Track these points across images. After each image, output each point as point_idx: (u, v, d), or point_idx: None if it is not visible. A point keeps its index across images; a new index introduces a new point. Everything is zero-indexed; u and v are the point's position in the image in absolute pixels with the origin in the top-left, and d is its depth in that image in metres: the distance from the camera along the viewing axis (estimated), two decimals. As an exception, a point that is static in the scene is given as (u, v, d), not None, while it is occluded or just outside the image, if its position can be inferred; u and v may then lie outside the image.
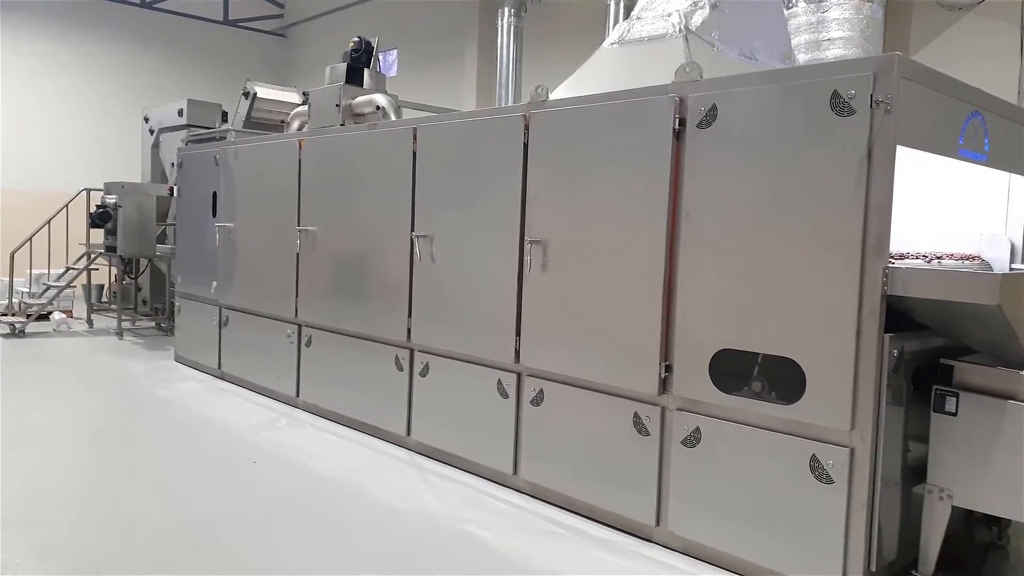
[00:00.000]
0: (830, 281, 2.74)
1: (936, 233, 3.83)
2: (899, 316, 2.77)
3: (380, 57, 12.31)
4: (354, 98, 5.61)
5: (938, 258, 3.49)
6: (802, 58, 4.75)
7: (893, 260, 3.10)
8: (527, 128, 3.78)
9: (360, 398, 4.87)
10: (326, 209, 5.15)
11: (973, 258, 3.68)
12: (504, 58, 7.70)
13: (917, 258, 3.50)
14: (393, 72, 12.00)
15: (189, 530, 3.31)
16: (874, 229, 2.65)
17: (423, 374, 4.41)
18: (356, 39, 5.90)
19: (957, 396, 2.76)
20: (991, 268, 3.67)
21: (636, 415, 3.36)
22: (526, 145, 3.78)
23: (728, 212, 3.03)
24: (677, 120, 3.16)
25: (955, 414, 2.76)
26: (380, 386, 4.69)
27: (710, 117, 3.07)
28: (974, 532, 3.40)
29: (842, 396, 2.71)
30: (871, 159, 2.64)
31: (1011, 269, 3.62)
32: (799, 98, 2.82)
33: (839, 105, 2.70)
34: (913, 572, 2.86)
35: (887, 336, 2.67)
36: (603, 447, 3.49)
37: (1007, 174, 3.65)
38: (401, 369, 4.54)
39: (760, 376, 2.97)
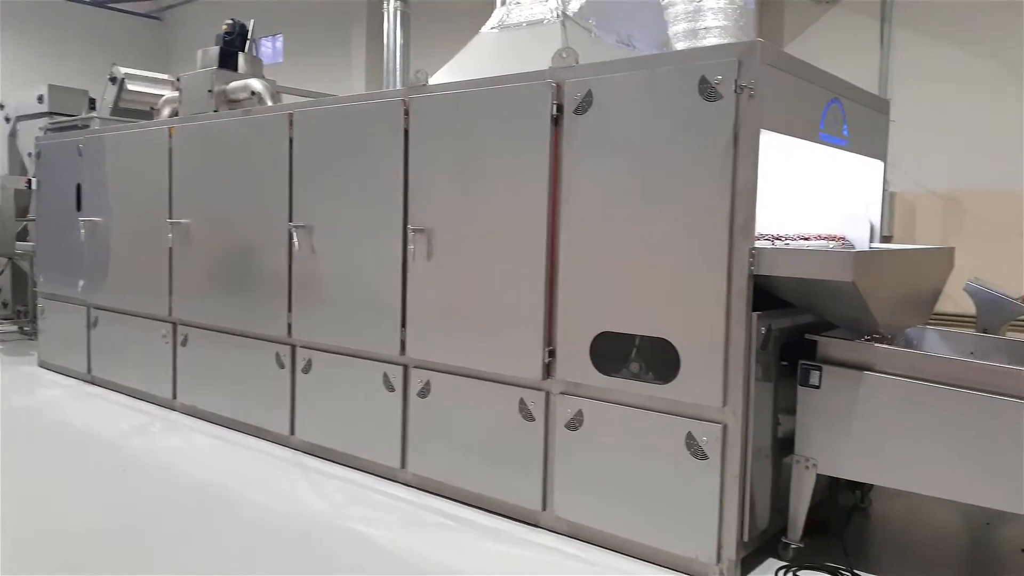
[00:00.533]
0: (701, 263, 2.81)
1: (806, 215, 4.01)
2: (768, 295, 2.87)
3: (268, 43, 11.84)
4: (228, 83, 5.34)
5: (805, 239, 3.65)
6: (679, 46, 4.88)
7: (770, 240, 3.22)
8: (407, 113, 3.69)
9: (241, 398, 4.66)
10: (200, 200, 4.89)
11: (838, 238, 3.88)
12: (391, 44, 7.52)
13: (791, 239, 3.65)
14: (279, 59, 11.57)
15: (42, 549, 3.06)
16: (741, 211, 2.73)
17: (306, 371, 4.25)
18: (229, 21, 5.62)
19: (820, 369, 2.89)
20: (853, 248, 3.87)
21: (522, 401, 3.35)
22: (407, 131, 3.70)
23: (605, 197, 3.05)
24: (554, 106, 3.16)
25: (819, 387, 2.89)
26: (261, 384, 4.50)
27: (586, 103, 3.09)
28: (839, 497, 3.59)
29: (714, 374, 2.79)
30: (737, 143, 2.72)
31: (870, 248, 3.84)
32: (669, 84, 2.87)
33: (707, 90, 2.77)
34: (783, 539, 2.99)
35: (755, 315, 2.76)
36: (490, 435, 3.47)
37: (866, 158, 3.85)
38: (283, 366, 4.37)
39: (638, 357, 3.02)
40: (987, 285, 4.18)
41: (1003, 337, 3.29)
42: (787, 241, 3.57)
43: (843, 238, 3.91)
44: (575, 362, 3.16)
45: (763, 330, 2.81)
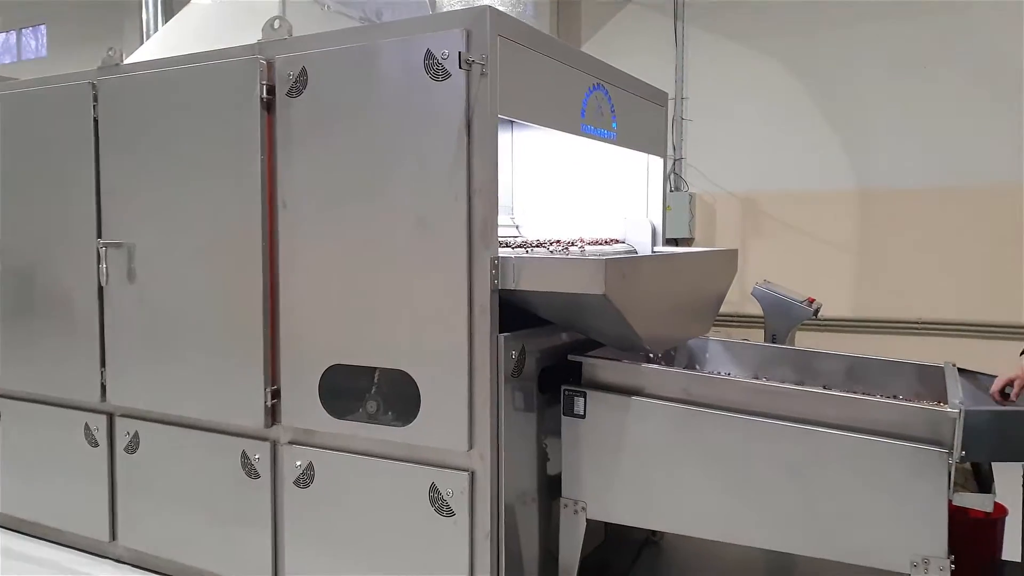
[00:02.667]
0: (437, 277, 2.31)
1: (590, 219, 3.66)
2: (527, 312, 2.42)
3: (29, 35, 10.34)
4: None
5: (577, 245, 3.27)
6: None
7: (538, 248, 2.78)
8: (96, 99, 2.95)
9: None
10: None
11: (618, 242, 3.54)
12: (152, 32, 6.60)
13: (565, 246, 3.26)
14: (43, 52, 10.12)
15: None
16: (479, 213, 2.25)
17: (-9, 425, 3.37)
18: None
19: (584, 396, 2.47)
20: (636, 252, 3.55)
21: (244, 455, 2.71)
22: (96, 121, 2.95)
23: (328, 200, 2.49)
24: (265, 87, 2.55)
25: (583, 416, 2.47)
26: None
27: (300, 83, 2.51)
28: (628, 530, 3.23)
29: (457, 412, 2.29)
30: (471, 132, 2.24)
31: (653, 252, 3.53)
32: (394, 59, 2.35)
33: (433, 67, 2.27)
34: (554, 596, 2.55)
35: (502, 336, 2.29)
36: (211, 498, 2.79)
37: (646, 156, 3.55)
38: (-37, 421, 3.44)
39: (376, 395, 2.48)
40: (775, 288, 4.03)
41: (790, 347, 3.04)
42: (564, 248, 3.16)
43: (623, 242, 3.59)
44: (303, 404, 2.56)
45: (514, 354, 2.35)
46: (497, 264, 2.26)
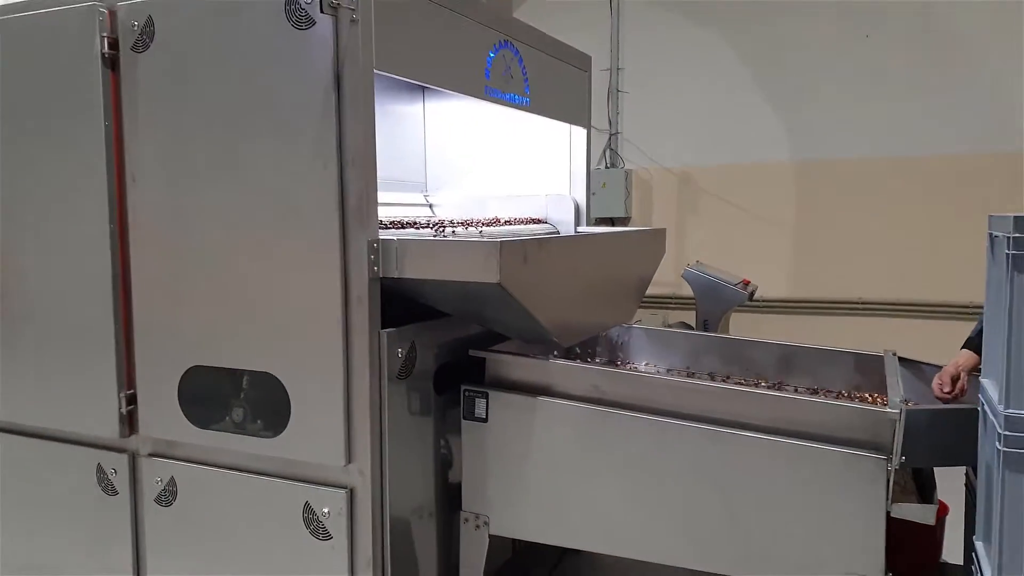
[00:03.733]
0: (305, 263, 1.97)
1: (508, 196, 3.34)
2: (419, 303, 2.10)
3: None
4: None
5: (493, 225, 2.96)
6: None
7: (437, 229, 2.46)
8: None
9: None
10: None
11: (539, 222, 3.24)
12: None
13: (484, 226, 2.93)
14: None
15: None
16: (354, 187, 1.91)
17: None
18: None
19: (486, 397, 2.17)
20: (558, 232, 3.26)
21: (100, 468, 2.34)
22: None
23: (183, 173, 2.11)
24: (106, 41, 2.15)
25: (486, 419, 2.17)
26: None
27: (147, 36, 2.12)
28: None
29: (332, 420, 1.97)
30: (341, 90, 1.89)
31: (576, 231, 3.24)
32: (253, 5, 1.98)
33: (296, 13, 1.91)
34: (456, 621, 2.26)
35: (384, 333, 1.97)
36: (70, 517, 2.42)
37: (568, 126, 3.24)
38: None
39: (243, 400, 2.13)
40: (707, 270, 3.78)
41: (719, 336, 2.79)
42: (479, 228, 2.84)
43: (545, 221, 3.29)
44: (163, 411, 2.20)
45: (401, 351, 2.03)
46: (377, 248, 1.93)
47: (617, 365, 2.79)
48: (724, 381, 2.40)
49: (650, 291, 5.51)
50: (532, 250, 1.99)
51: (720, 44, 5.54)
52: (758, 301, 4.78)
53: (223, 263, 2.07)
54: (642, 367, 2.79)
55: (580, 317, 2.40)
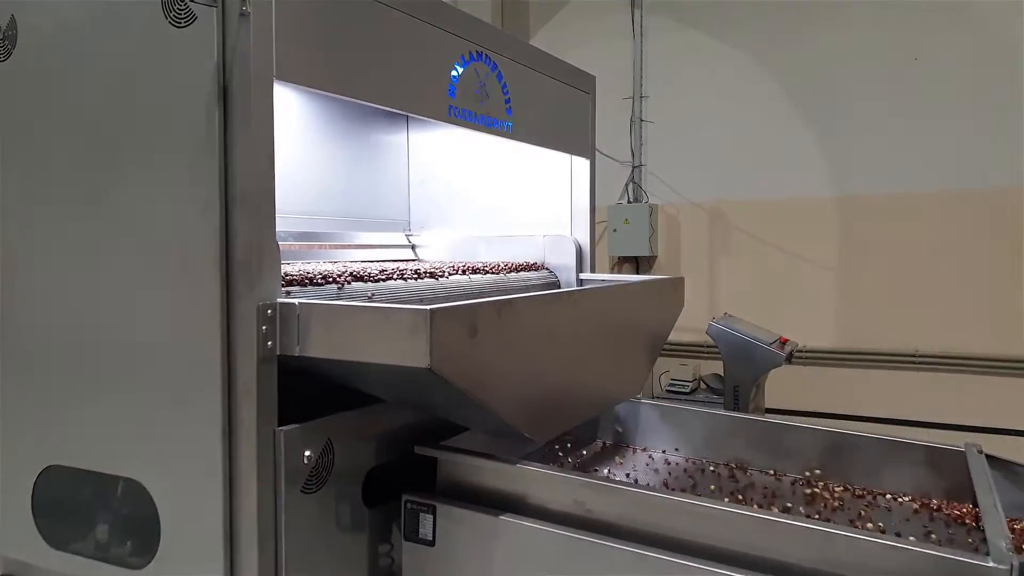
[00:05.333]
0: (178, 332, 1.47)
1: (506, 237, 2.84)
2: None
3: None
4: None
5: (481, 272, 2.44)
6: None
7: (411, 278, 1.96)
8: None
9: None
10: None
11: (535, 267, 2.72)
12: None
13: (472, 273, 2.43)
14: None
15: None
16: (243, 233, 1.42)
17: None
18: None
19: (434, 512, 1.63)
20: (557, 279, 2.73)
21: (-47, 586, 1.85)
22: None
23: (48, 206, 1.65)
24: (-36, 48, 1.72)
25: (432, 542, 1.63)
26: None
27: (9, 40, 1.68)
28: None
29: (210, 546, 1.45)
30: (228, 105, 1.41)
31: (578, 278, 2.72)
32: (129, 2, 1.53)
33: (175, 7, 1.44)
34: None
35: (282, 432, 1.45)
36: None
37: (568, 156, 2.74)
38: None
39: (109, 514, 1.63)
40: (737, 325, 3.20)
41: (750, 417, 2.21)
42: (445, 276, 2.33)
43: (543, 266, 2.77)
44: (16, 523, 1.71)
45: (309, 454, 1.51)
46: (273, 315, 1.43)
47: (616, 456, 2.23)
48: (758, 506, 1.82)
49: (680, 339, 4.92)
50: (487, 317, 1.47)
51: (753, 67, 5.01)
52: (799, 352, 4.17)
53: (84, 327, 1.59)
54: (648, 457, 2.24)
55: (562, 402, 1.85)
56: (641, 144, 5.38)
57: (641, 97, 5.35)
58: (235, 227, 1.41)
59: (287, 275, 1.67)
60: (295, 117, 2.44)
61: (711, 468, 2.12)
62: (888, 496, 1.93)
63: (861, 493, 1.94)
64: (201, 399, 1.43)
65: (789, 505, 1.82)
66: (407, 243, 3.00)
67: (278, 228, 2.30)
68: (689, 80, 5.22)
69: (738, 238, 5.18)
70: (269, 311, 1.42)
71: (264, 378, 1.42)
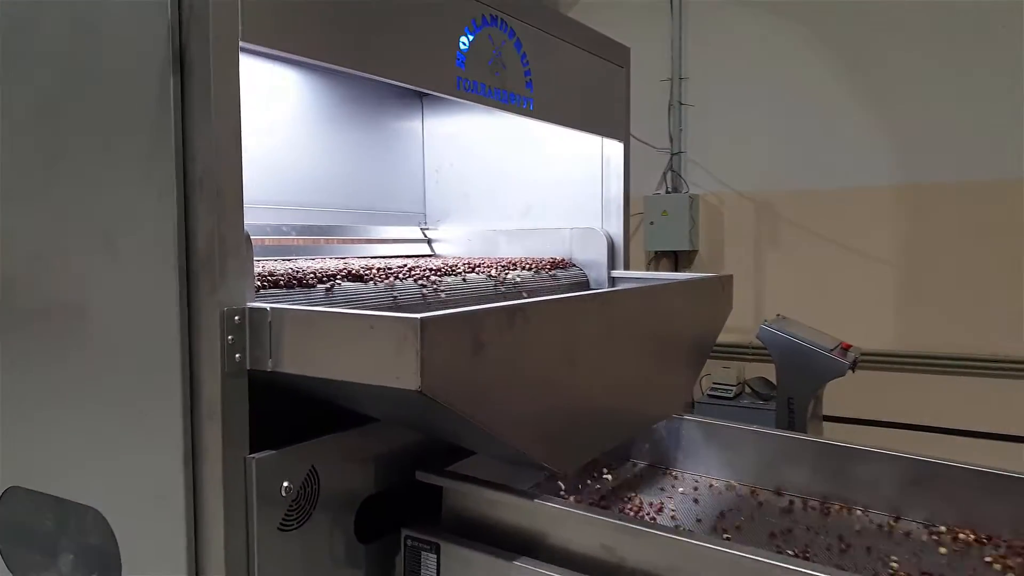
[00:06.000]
0: (132, 343, 1.26)
1: (521, 229, 2.60)
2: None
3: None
4: None
5: (508, 270, 2.19)
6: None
7: (422, 278, 1.73)
8: None
9: None
10: None
11: (562, 264, 2.47)
12: None
13: (502, 270, 2.18)
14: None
15: None
16: (205, 224, 1.19)
17: None
18: None
19: (438, 551, 1.40)
20: (586, 278, 2.47)
21: (-84, 617, 1.68)
22: None
23: (4, 196, 1.45)
24: (-85, 19, 1.53)
25: (436, 585, 1.40)
26: None
27: (-41, 8, 1.48)
28: None
29: (172, 595, 1.23)
30: (184, 73, 1.19)
31: (610, 276, 2.45)
32: (80, -45, 1.31)
33: (125, -41, 1.22)
34: None
35: (254, 460, 1.23)
36: None
37: (600, 139, 2.47)
38: None
39: (73, 543, 1.43)
40: (792, 329, 2.86)
41: (810, 439, 1.92)
42: (495, 274, 2.09)
43: (571, 262, 2.51)
44: (-23, 546, 1.52)
45: (287, 485, 1.28)
46: (242, 323, 1.20)
47: (652, 481, 1.97)
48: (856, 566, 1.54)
49: (722, 339, 4.61)
50: (495, 326, 1.22)
51: (805, 45, 4.65)
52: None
53: (37, 324, 1.38)
54: (691, 485, 1.96)
55: (590, 424, 1.59)
56: (680, 129, 5.06)
57: (680, 78, 5.04)
58: (195, 217, 1.19)
59: (272, 274, 1.45)
60: (296, 99, 2.22)
61: (770, 500, 1.84)
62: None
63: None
64: (161, 420, 1.21)
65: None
66: (423, 237, 2.77)
67: (277, 221, 2.09)
68: (733, 59, 4.88)
69: (787, 231, 4.84)
70: (236, 317, 1.19)
71: (231, 396, 1.19)
